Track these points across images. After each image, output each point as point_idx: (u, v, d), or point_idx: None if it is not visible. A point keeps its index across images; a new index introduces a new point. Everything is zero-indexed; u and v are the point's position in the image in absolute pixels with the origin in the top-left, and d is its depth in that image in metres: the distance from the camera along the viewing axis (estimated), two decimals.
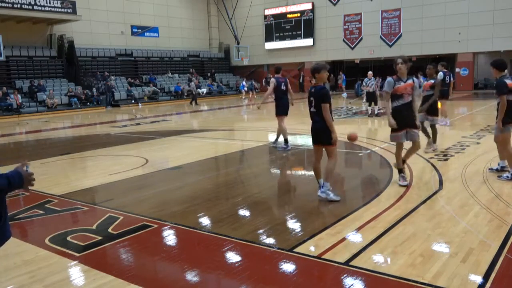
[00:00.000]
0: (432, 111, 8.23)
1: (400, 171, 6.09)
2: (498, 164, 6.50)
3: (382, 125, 13.47)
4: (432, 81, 8.24)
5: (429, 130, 8.36)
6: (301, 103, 19.55)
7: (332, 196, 5.40)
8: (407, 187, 5.88)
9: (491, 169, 6.58)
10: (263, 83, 30.42)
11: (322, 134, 5.35)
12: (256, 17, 34.93)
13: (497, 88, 5.91)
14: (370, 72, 15.22)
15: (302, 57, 32.90)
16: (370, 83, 14.94)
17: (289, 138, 9.65)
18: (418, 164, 7.29)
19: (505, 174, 6.11)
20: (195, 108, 23.56)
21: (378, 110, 15.61)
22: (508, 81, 5.87)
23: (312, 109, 5.44)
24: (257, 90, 31.18)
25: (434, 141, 8.33)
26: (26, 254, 4.10)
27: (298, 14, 32.99)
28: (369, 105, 15.24)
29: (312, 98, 5.41)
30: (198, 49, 35.92)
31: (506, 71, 6.00)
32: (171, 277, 3.66)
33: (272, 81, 9.12)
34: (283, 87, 9.05)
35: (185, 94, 29.06)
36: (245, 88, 30.07)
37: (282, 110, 9.15)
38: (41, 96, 23.16)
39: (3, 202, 2.33)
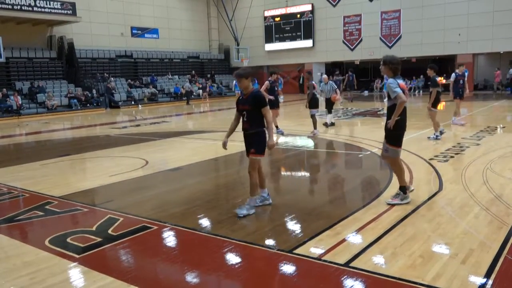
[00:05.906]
0: (312, 104, 11.31)
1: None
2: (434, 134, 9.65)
3: (382, 126, 13.44)
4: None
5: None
6: (300, 105, 19.52)
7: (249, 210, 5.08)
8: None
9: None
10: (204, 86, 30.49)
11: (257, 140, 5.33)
12: (256, 18, 34.94)
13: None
14: (325, 76, 13.22)
15: (302, 59, 32.90)
16: (326, 88, 12.65)
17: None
18: (418, 165, 7.29)
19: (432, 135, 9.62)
20: (189, 109, 23.53)
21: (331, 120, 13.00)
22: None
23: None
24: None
25: (315, 127, 11.25)
26: (26, 256, 4.10)
27: (298, 16, 33.01)
28: (329, 112, 12.93)
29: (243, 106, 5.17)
30: (198, 51, 35.92)
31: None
32: (171, 279, 3.66)
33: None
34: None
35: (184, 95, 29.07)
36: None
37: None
38: (41, 97, 23.18)
39: None
